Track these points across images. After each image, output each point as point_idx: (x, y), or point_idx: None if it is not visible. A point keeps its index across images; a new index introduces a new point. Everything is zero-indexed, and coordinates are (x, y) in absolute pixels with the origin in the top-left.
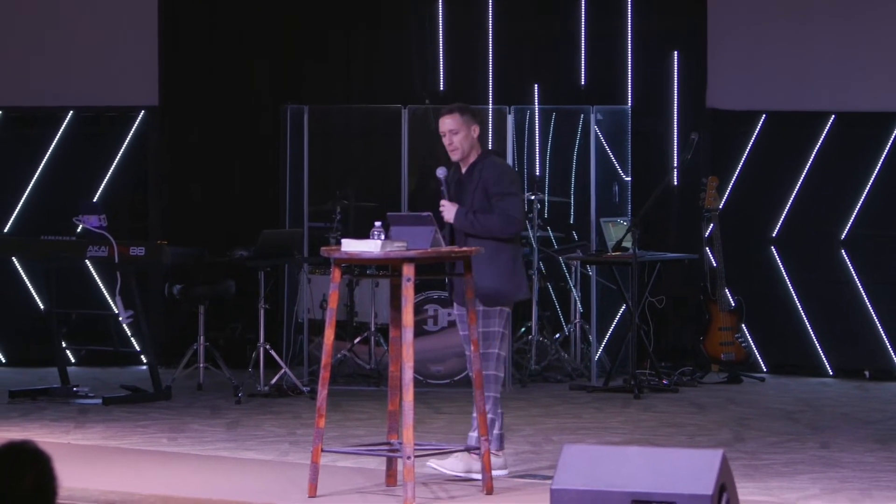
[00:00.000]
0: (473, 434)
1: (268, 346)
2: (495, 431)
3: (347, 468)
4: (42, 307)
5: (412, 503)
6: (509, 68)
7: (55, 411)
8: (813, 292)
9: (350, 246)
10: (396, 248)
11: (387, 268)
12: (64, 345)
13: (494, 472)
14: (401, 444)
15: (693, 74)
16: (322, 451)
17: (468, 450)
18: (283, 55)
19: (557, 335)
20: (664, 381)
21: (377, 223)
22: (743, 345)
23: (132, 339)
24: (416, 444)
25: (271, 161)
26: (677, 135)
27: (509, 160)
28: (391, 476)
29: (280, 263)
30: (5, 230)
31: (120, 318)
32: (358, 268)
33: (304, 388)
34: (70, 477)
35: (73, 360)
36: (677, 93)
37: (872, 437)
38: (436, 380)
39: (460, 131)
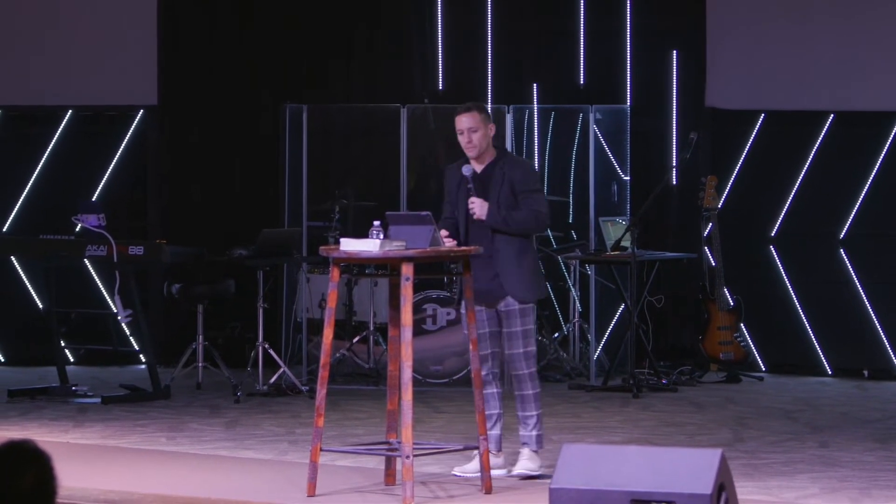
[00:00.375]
0: (524, 433)
1: (267, 346)
2: (536, 432)
3: (346, 467)
4: (41, 306)
5: (411, 502)
6: (508, 67)
7: (54, 410)
8: (812, 292)
9: (349, 245)
10: (395, 247)
11: (386, 267)
12: (63, 344)
13: (532, 472)
14: (400, 443)
15: (692, 74)
16: (321, 450)
17: (495, 450)
18: (283, 55)
19: (556, 334)
20: (663, 381)
21: (376, 222)
22: (742, 344)
23: (131, 339)
24: (414, 444)
25: (271, 161)
26: (676, 134)
27: None
28: (390, 475)
29: (279, 263)
30: (4, 229)
31: (119, 318)
32: (357, 267)
33: (303, 388)
34: (69, 476)
35: (72, 360)
36: (676, 92)
37: (871, 436)
38: (435, 379)
39: (479, 129)
